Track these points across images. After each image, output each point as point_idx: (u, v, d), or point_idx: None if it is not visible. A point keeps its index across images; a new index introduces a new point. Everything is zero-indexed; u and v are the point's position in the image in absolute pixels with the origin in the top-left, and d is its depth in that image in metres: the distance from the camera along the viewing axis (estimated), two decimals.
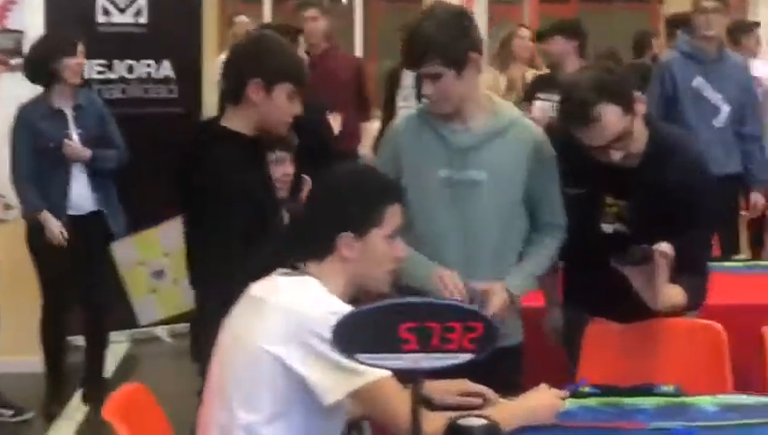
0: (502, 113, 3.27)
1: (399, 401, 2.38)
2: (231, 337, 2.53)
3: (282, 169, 3.85)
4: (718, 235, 5.37)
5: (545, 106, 5.93)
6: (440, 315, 1.91)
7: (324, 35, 6.53)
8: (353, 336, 1.94)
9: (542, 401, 2.69)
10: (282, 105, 3.22)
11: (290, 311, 2.40)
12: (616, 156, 3.06)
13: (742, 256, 5.01)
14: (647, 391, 2.97)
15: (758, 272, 4.71)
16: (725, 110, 5.58)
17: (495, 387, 2.78)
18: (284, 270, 2.55)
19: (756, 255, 6.51)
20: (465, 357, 1.92)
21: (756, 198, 5.80)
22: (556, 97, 5.89)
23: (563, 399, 2.73)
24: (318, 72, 5.05)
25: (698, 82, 5.57)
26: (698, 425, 2.73)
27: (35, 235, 5.29)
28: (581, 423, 2.77)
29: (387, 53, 9.77)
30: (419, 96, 3.29)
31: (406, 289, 3.02)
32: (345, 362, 2.31)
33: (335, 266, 2.51)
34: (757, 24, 7.82)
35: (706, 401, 2.91)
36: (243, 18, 8.79)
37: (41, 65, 5.27)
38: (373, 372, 2.33)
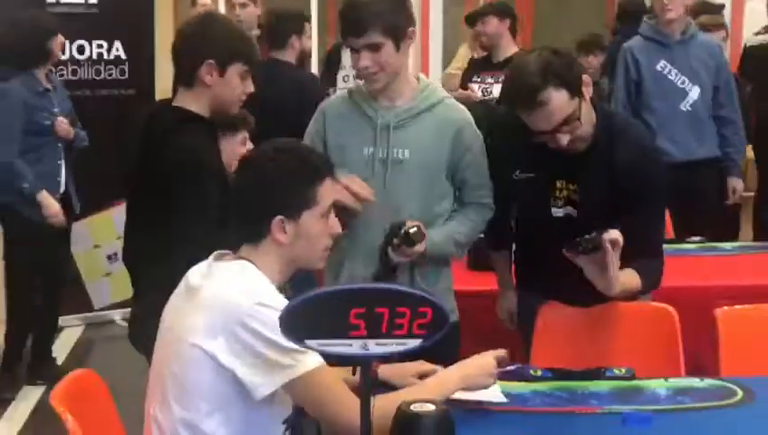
0: (428, 93, 3.28)
1: (334, 389, 2.35)
2: (167, 328, 2.48)
3: (244, 148, 3.83)
4: (715, 221, 5.40)
5: (478, 89, 5.94)
6: (389, 301, 1.88)
7: (258, 22, 6.19)
8: (303, 322, 1.90)
9: (478, 367, 2.64)
10: (235, 85, 3.21)
11: (219, 303, 2.34)
12: (563, 140, 3.03)
13: (696, 239, 4.97)
14: (599, 374, 2.97)
15: (711, 254, 4.72)
16: (694, 92, 5.50)
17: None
18: (222, 252, 2.51)
19: None
20: (414, 343, 1.90)
21: (734, 183, 5.67)
22: (489, 79, 5.92)
23: (500, 361, 2.68)
24: None
25: (662, 65, 5.51)
26: (651, 409, 2.74)
27: (18, 216, 5.22)
28: (534, 408, 2.77)
29: None
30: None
31: None
32: (274, 354, 2.28)
33: (270, 250, 2.46)
34: (723, 6, 7.78)
35: (659, 385, 2.91)
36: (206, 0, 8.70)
37: (38, 46, 5.25)
38: (304, 363, 2.29)
